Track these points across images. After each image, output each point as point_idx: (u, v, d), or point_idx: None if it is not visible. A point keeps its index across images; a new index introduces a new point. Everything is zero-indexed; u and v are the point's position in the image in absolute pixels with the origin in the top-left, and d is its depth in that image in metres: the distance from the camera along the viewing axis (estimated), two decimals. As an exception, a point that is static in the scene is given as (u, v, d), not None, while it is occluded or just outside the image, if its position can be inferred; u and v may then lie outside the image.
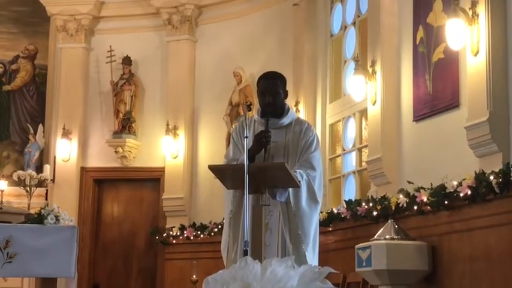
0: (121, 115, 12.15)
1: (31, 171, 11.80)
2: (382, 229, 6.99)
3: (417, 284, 6.81)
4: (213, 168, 4.85)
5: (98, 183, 12.54)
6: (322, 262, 4.66)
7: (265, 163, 4.81)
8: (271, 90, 5.04)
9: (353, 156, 9.45)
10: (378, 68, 8.25)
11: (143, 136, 12.33)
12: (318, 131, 9.69)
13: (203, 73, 12.16)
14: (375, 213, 7.58)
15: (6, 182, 11.94)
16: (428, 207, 6.79)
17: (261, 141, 4.85)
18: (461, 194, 6.29)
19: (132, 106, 12.20)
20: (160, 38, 12.41)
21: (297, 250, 4.81)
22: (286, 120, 5.08)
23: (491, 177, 5.95)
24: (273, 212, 4.89)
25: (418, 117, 7.57)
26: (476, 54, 6.44)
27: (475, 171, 6.20)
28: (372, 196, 7.88)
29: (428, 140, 7.44)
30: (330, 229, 8.48)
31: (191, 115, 12.12)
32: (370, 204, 7.70)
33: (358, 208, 7.91)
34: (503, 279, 5.92)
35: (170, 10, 12.21)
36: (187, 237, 11.46)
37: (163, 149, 12.04)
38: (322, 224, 8.01)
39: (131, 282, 12.26)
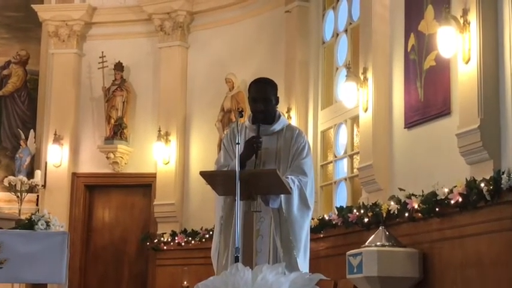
0: (113, 121, 12.14)
1: (22, 177, 11.76)
2: (373, 236, 7.00)
3: (408, 291, 6.82)
4: (204, 174, 4.85)
5: (89, 189, 12.51)
6: (313, 269, 4.66)
7: (256, 169, 4.81)
8: (263, 96, 5.03)
9: (344, 163, 9.46)
10: (369, 75, 8.27)
11: (135, 142, 12.32)
12: (310, 137, 9.70)
13: (195, 79, 12.17)
14: (366, 220, 7.58)
15: (-3, 187, 11.91)
16: (420, 214, 6.80)
17: (252, 146, 4.85)
18: (453, 201, 6.30)
19: (123, 112, 12.19)
20: (152, 44, 12.42)
21: (288, 256, 4.81)
22: (277, 127, 5.08)
23: (482, 185, 5.96)
24: (264, 218, 4.88)
25: (410, 124, 7.59)
26: (467, 62, 6.46)
27: (466, 179, 6.21)
28: (363, 203, 7.88)
29: (419, 147, 7.45)
30: (321, 236, 8.48)
31: (183, 121, 12.12)
32: (362, 211, 7.70)
33: (349, 215, 7.91)
34: (494, 286, 5.93)
35: (162, 16, 12.21)
36: (179, 244, 11.45)
37: (154, 155, 12.03)
38: (314, 230, 8.00)
39: (122, 289, 12.24)
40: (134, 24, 12.56)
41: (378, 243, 6.82)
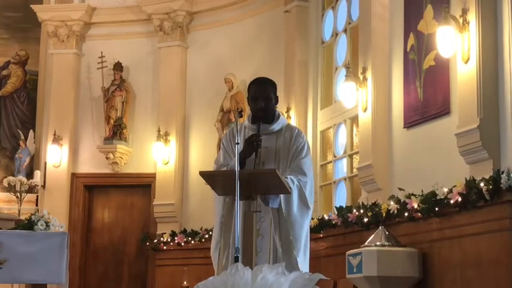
0: (112, 121, 12.14)
1: (21, 177, 11.77)
2: (372, 236, 7.00)
3: (408, 291, 6.83)
4: (204, 174, 4.85)
5: (89, 189, 12.51)
6: (312, 269, 4.66)
7: (256, 169, 4.81)
8: (263, 95, 5.05)
9: (344, 163, 9.46)
10: (369, 74, 8.27)
11: (134, 142, 12.32)
12: (309, 137, 9.70)
13: (194, 79, 12.17)
14: (365, 219, 7.58)
15: (-3, 188, 11.90)
16: (419, 214, 6.80)
17: (252, 144, 4.86)
18: (452, 201, 6.30)
19: (123, 112, 12.19)
20: (151, 44, 12.42)
21: (288, 256, 4.82)
22: (276, 126, 5.09)
23: (482, 184, 5.96)
24: (264, 218, 4.89)
25: (409, 124, 7.59)
26: (466, 62, 6.46)
27: (466, 178, 6.21)
28: (362, 203, 7.88)
29: (419, 146, 7.45)
30: (321, 235, 8.48)
31: (182, 121, 12.12)
32: (361, 211, 7.70)
33: (349, 215, 7.91)
34: (494, 285, 5.93)
35: (162, 16, 12.21)
36: (178, 244, 11.45)
37: (154, 155, 12.03)
38: (313, 230, 8.01)
39: (122, 289, 12.25)
40: (133, 24, 12.55)
41: (378, 243, 6.82)
